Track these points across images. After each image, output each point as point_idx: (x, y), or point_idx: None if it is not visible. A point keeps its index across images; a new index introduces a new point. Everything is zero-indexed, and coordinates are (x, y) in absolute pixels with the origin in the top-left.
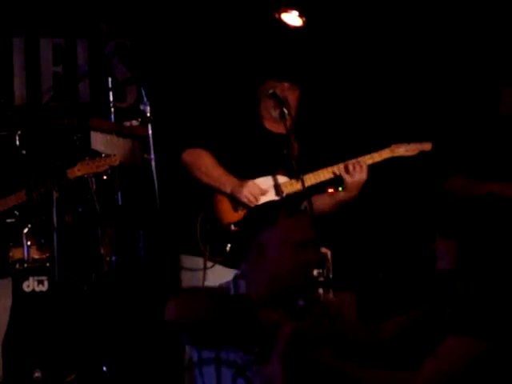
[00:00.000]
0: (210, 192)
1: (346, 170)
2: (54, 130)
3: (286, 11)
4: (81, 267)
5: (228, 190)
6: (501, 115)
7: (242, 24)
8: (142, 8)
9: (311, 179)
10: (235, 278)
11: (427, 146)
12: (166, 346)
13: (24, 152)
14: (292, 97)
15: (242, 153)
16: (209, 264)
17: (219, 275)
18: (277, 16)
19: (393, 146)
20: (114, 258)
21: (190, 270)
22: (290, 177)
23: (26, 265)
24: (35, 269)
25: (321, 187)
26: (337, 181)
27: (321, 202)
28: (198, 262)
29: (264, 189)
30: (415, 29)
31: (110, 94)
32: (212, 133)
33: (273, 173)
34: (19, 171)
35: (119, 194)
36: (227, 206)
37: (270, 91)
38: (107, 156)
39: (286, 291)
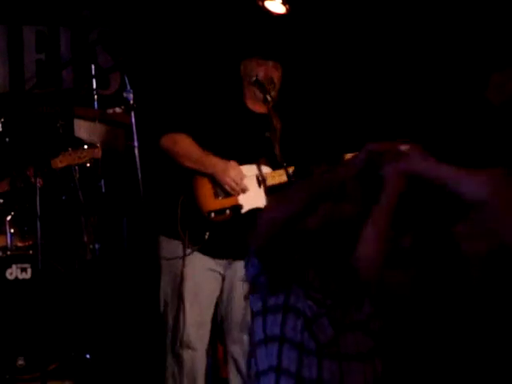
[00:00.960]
0: (191, 175)
1: None
2: (37, 118)
3: None
4: (64, 255)
5: (209, 170)
6: (490, 103)
7: (226, 9)
8: None
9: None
10: None
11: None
12: (149, 333)
13: (7, 139)
14: (276, 75)
15: (222, 137)
16: (188, 251)
17: (199, 261)
18: (260, 3)
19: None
20: (97, 246)
21: (170, 253)
22: (273, 167)
23: (9, 252)
24: (18, 256)
25: None
26: None
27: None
28: (178, 245)
29: (245, 176)
30: (400, 17)
31: (94, 81)
32: (192, 117)
33: (255, 161)
34: (2, 158)
35: (102, 181)
36: (208, 192)
37: (253, 78)
38: (90, 147)
39: None
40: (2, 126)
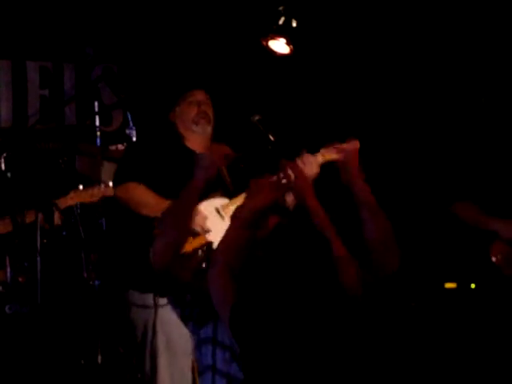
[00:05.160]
0: (151, 225)
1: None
2: (40, 154)
3: (273, 38)
4: (64, 291)
5: None
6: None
7: (231, 51)
8: (128, 33)
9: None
10: None
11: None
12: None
13: (9, 175)
14: (210, 110)
15: (173, 182)
16: (162, 301)
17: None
18: (264, 43)
19: (322, 151)
20: (97, 283)
21: (142, 305)
22: (229, 196)
23: (8, 287)
24: (18, 291)
25: None
26: None
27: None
28: (150, 297)
29: (206, 214)
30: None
31: (97, 117)
32: (142, 166)
33: (210, 195)
34: (4, 194)
35: (103, 219)
36: None
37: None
38: (101, 185)
39: None
40: (5, 162)
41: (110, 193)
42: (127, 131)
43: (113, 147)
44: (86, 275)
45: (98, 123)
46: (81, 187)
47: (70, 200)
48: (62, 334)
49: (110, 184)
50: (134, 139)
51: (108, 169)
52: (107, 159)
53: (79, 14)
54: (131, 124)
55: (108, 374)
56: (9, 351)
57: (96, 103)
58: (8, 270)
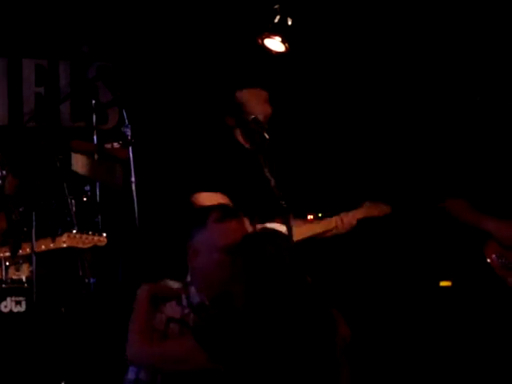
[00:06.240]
0: None
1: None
2: (35, 151)
3: (268, 37)
4: (59, 289)
5: None
6: None
7: (223, 49)
8: (124, 31)
9: (303, 231)
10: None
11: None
12: None
13: (4, 173)
14: (269, 110)
15: (242, 183)
16: None
17: None
18: (260, 42)
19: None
20: (92, 281)
21: None
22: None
23: (3, 285)
24: (13, 289)
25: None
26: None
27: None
28: None
29: None
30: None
31: (93, 116)
32: (214, 173)
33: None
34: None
35: (99, 216)
36: None
37: (252, 117)
38: (96, 234)
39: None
40: (0, 160)
41: (102, 243)
42: (123, 129)
43: (108, 145)
44: (81, 273)
45: (94, 121)
46: (74, 231)
47: (62, 243)
48: (58, 332)
49: (104, 235)
50: (129, 137)
51: (103, 167)
52: (103, 157)
53: (75, 11)
54: (127, 122)
55: (104, 371)
56: (4, 349)
57: (92, 101)
58: (3, 267)
